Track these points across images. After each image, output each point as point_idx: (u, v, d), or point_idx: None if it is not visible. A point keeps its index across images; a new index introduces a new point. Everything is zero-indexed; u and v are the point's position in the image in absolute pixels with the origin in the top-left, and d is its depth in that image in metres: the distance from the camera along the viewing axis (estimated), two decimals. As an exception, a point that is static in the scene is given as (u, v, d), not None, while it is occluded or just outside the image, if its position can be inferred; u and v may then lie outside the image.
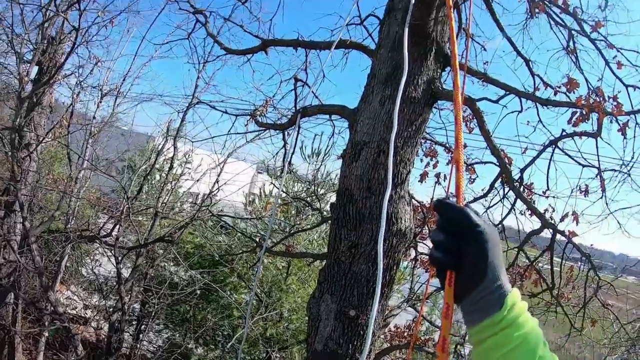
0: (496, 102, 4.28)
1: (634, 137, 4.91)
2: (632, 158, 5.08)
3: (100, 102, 9.85)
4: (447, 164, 5.55)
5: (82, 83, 9.23)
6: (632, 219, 5.47)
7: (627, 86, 5.14)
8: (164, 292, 8.41)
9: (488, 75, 4.07)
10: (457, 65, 1.61)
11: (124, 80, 9.86)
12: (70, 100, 9.19)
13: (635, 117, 4.83)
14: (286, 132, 4.39)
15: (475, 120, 4.00)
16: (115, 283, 8.59)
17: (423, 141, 5.35)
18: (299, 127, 3.94)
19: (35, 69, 8.49)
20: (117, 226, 8.20)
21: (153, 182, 12.64)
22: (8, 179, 7.49)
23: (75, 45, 7.41)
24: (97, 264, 10.73)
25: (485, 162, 5.42)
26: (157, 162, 10.29)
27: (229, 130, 5.45)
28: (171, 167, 8.97)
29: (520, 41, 5.73)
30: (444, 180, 5.45)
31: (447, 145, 5.59)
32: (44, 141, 8.59)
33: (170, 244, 8.14)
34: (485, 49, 5.35)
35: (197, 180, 9.42)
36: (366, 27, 4.66)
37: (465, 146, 5.76)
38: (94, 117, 9.95)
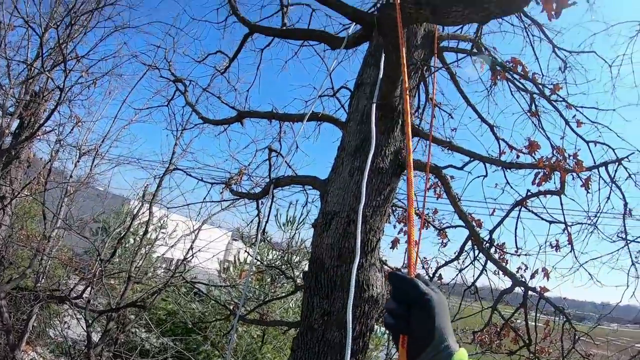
0: (461, 168, 4.48)
1: (599, 189, 5.17)
2: (599, 209, 5.32)
3: (78, 161, 9.83)
4: (419, 229, 5.66)
5: (62, 141, 9.25)
6: (605, 267, 5.59)
7: (587, 142, 5.44)
8: (134, 359, 8.07)
9: (453, 144, 4.29)
10: (411, 157, 1.74)
11: (102, 141, 9.91)
12: (49, 157, 9.16)
13: (598, 170, 5.10)
14: (260, 202, 4.48)
15: (442, 186, 4.18)
16: (84, 347, 8.21)
17: (394, 209, 5.49)
18: (273, 197, 4.03)
19: (16, 123, 8.51)
20: (89, 288, 7.95)
21: (127, 245, 12.41)
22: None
23: (58, 105, 7.50)
24: (66, 326, 10.28)
25: (456, 226, 5.56)
26: (132, 225, 10.15)
27: (205, 198, 5.54)
28: (146, 232, 8.88)
29: (485, 107, 6.07)
30: (415, 246, 5.52)
31: (417, 211, 5.73)
32: (19, 196, 8.46)
33: (142, 309, 7.91)
34: (452, 117, 5.67)
35: (172, 246, 9.33)
36: (339, 99, 4.93)
37: (435, 211, 5.93)
38: (70, 176, 9.88)
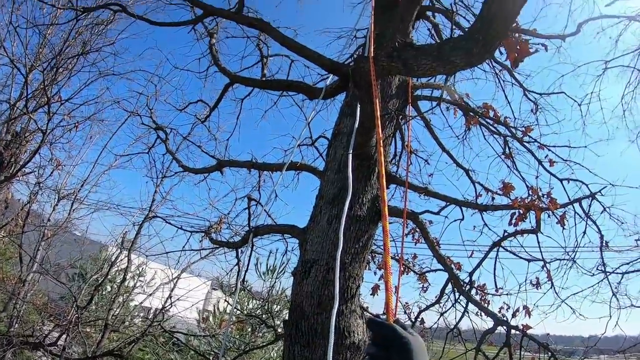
0: (437, 213, 4.57)
1: (575, 225, 5.29)
2: (576, 244, 5.42)
3: (57, 205, 9.73)
4: (398, 275, 5.71)
5: (41, 183, 9.16)
6: (587, 301, 5.65)
7: (561, 180, 5.60)
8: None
9: (429, 189, 4.40)
10: (386, 208, 1.81)
11: (82, 186, 9.86)
12: (28, 199, 9.03)
13: (573, 206, 5.23)
14: (239, 250, 4.48)
15: (420, 232, 4.25)
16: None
17: (373, 255, 5.53)
18: (252, 246, 4.05)
19: (-5, 162, 8.41)
20: (64, 335, 7.70)
21: (104, 292, 12.08)
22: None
23: (40, 147, 7.47)
24: (40, 374, 9.83)
25: (435, 270, 5.61)
26: (110, 272, 9.95)
27: (184, 246, 5.53)
28: (124, 279, 8.72)
29: (461, 151, 6.26)
30: (395, 292, 5.55)
31: (397, 257, 5.79)
32: (-5, 237, 8.28)
33: (119, 358, 7.66)
34: (428, 163, 5.83)
35: (150, 294, 9.16)
36: (317, 148, 5.06)
37: (415, 257, 6.00)
38: (48, 220, 9.74)
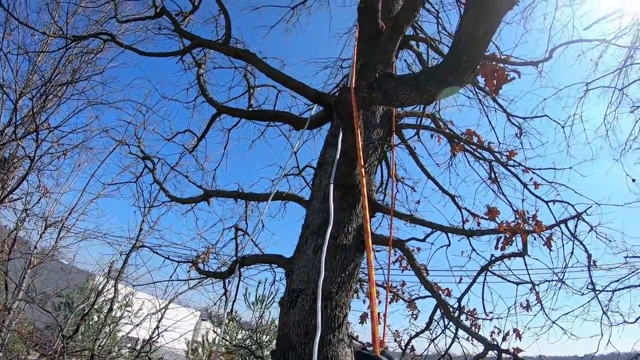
0: (423, 240, 4.60)
1: (562, 245, 5.33)
2: (564, 265, 5.45)
3: (44, 232, 9.57)
4: (389, 302, 5.70)
5: (28, 210, 9.06)
6: (579, 320, 5.66)
7: (547, 202, 5.67)
8: None
9: (414, 217, 4.44)
10: (370, 239, 1.83)
11: (69, 214, 9.74)
12: (14, 226, 8.91)
13: (560, 227, 5.27)
14: (227, 281, 4.46)
15: (407, 259, 4.27)
16: None
17: (361, 284, 5.52)
18: (240, 275, 4.04)
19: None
20: (50, 365, 7.51)
21: (91, 322, 11.88)
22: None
23: (28, 174, 7.43)
24: (24, 404, 9.56)
25: (424, 297, 5.60)
26: (97, 302, 9.79)
27: (171, 276, 5.47)
28: (111, 309, 8.58)
29: (447, 178, 6.34)
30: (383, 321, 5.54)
31: (384, 285, 5.79)
32: (-20, 263, 8.14)
33: (105, 390, 7.49)
34: (415, 190, 5.89)
35: (137, 325, 8.99)
36: (304, 178, 5.10)
37: (403, 284, 5.99)
38: (35, 247, 9.58)
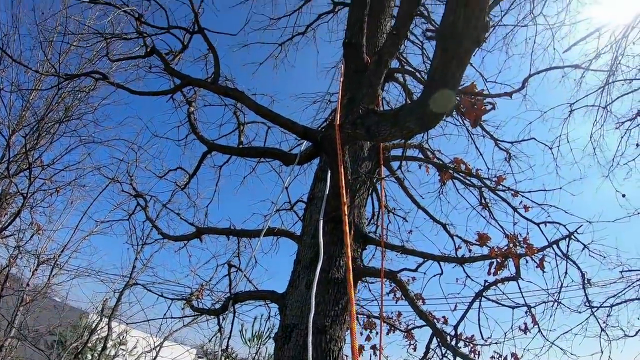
0: (415, 270, 4.62)
1: (557, 266, 5.36)
2: (560, 285, 5.47)
3: (36, 269, 9.50)
4: (387, 334, 5.70)
5: (21, 247, 9.01)
6: (578, 338, 5.66)
7: (538, 224, 5.73)
8: None
9: (405, 248, 4.48)
10: (350, 275, 1.89)
11: (62, 251, 9.68)
12: (6, 263, 8.84)
13: (552, 248, 5.31)
14: (221, 317, 4.46)
15: (400, 290, 4.29)
16: None
17: (357, 317, 5.51)
18: (235, 312, 4.05)
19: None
20: (42, 404, 7.35)
21: (84, 361, 11.67)
22: None
23: (20, 211, 7.42)
24: None
25: (421, 326, 5.59)
26: (90, 340, 9.66)
27: (165, 314, 5.45)
28: (104, 347, 8.48)
29: (438, 206, 6.41)
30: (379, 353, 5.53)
31: (376, 316, 5.78)
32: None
33: None
34: (406, 220, 5.96)
35: (132, 363, 8.85)
36: (296, 212, 5.16)
37: (399, 315, 5.99)
38: (27, 284, 9.48)
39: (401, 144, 5.25)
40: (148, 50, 5.18)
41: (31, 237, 9.03)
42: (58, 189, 8.87)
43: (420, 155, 5.62)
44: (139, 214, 6.30)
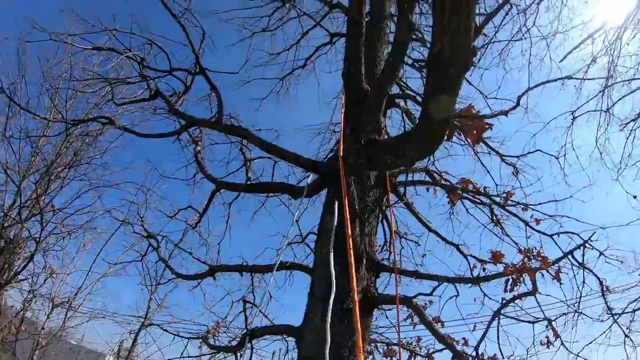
0: (430, 294, 4.61)
1: (574, 276, 5.30)
2: (579, 295, 5.39)
3: (51, 313, 9.55)
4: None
5: (35, 291, 9.07)
6: (602, 347, 5.55)
7: (551, 236, 5.68)
8: None
9: (419, 273, 4.48)
10: (357, 306, 1.90)
11: (76, 294, 9.74)
12: (21, 307, 8.89)
13: (568, 259, 5.25)
14: (239, 354, 4.44)
15: (416, 315, 4.27)
16: None
17: (376, 345, 5.49)
18: (252, 348, 4.04)
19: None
20: None
21: (104, 406, 11.58)
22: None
23: (33, 255, 7.50)
24: None
25: (441, 350, 5.53)
26: (108, 383, 9.62)
27: (182, 354, 5.43)
28: (123, 389, 8.40)
29: (449, 227, 6.38)
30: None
31: (395, 343, 5.72)
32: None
33: None
34: (419, 244, 5.97)
35: (150, 405, 8.76)
36: (308, 245, 5.18)
37: (419, 340, 5.93)
38: (43, 328, 9.51)
39: (407, 169, 5.28)
40: (152, 93, 5.32)
41: (45, 280, 9.12)
42: (70, 232, 8.99)
43: (427, 179, 5.65)
44: (152, 254, 6.34)
